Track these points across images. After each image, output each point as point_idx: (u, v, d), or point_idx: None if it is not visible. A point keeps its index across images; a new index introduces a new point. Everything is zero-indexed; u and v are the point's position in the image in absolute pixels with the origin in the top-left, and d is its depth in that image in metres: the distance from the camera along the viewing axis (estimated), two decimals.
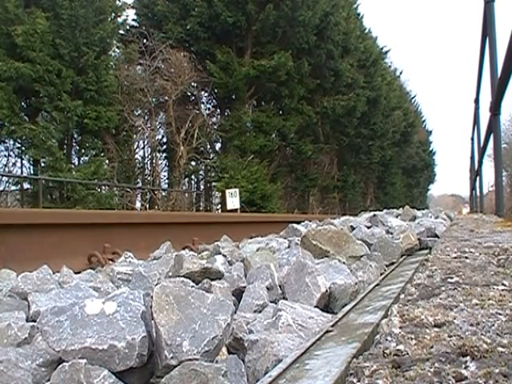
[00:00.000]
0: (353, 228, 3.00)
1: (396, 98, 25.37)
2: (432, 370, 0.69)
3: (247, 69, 14.72)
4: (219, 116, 17.05)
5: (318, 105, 18.07)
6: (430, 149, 37.79)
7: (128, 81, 13.54)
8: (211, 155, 16.50)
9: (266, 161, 15.71)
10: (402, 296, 1.25)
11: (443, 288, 1.25)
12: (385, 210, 5.38)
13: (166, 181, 16.32)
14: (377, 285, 1.58)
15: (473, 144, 11.14)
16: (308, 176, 19.12)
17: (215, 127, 16.22)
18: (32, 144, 10.63)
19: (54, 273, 1.73)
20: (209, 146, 16.65)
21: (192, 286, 1.51)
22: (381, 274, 1.87)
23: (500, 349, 0.75)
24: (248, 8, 14.31)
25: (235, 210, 10.94)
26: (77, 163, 12.73)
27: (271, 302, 1.48)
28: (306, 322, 1.15)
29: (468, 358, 0.73)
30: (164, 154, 16.41)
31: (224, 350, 1.11)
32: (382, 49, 24.50)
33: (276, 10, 14.51)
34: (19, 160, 12.38)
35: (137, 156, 15.83)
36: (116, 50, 14.02)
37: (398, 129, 25.63)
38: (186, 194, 16.00)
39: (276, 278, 1.61)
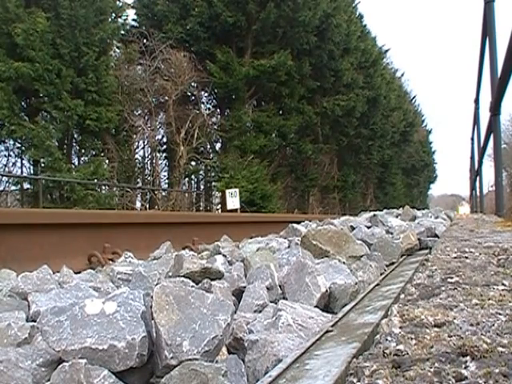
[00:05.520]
0: (353, 228, 3.00)
1: (396, 98, 25.36)
2: (432, 369, 0.69)
3: (247, 69, 14.72)
4: (219, 116, 17.05)
5: (317, 105, 18.07)
6: (430, 148, 37.77)
7: (128, 81, 13.54)
8: (211, 155, 16.49)
9: (266, 161, 15.71)
10: (402, 296, 1.25)
11: (443, 288, 1.25)
12: (385, 210, 5.38)
13: (166, 181, 16.33)
14: (377, 285, 1.58)
15: (473, 144, 11.15)
16: (308, 176, 19.11)
17: (215, 127, 16.21)
18: (32, 144, 10.62)
19: (54, 273, 1.73)
20: (209, 146, 16.64)
21: (192, 286, 1.51)
22: (381, 274, 1.87)
23: (500, 349, 0.75)
24: (248, 8, 14.31)
25: (235, 210, 10.94)
26: (77, 163, 12.73)
27: (271, 301, 1.48)
28: (306, 322, 1.15)
29: (468, 357, 0.73)
30: (164, 154, 16.41)
31: (224, 349, 1.11)
32: (381, 48, 24.47)
33: (277, 9, 14.51)
34: (19, 160, 12.39)
35: (137, 156, 15.84)
36: (116, 50, 14.02)
37: (397, 129, 25.62)
38: (186, 194, 15.99)
39: (276, 277, 1.61)
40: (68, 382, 0.81)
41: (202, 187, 18.46)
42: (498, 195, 5.24)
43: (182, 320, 0.94)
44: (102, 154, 13.19)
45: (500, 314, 0.95)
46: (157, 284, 1.56)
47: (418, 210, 6.11)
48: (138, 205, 14.63)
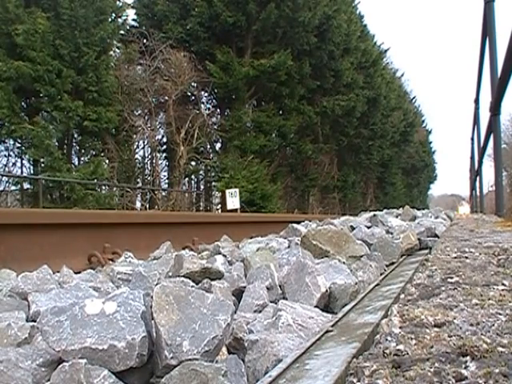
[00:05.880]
0: (353, 228, 3.00)
1: (396, 98, 25.36)
2: (432, 369, 0.69)
3: (247, 69, 14.72)
4: (219, 116, 17.05)
5: (317, 105, 18.07)
6: (430, 148, 37.80)
7: (128, 81, 13.54)
8: (211, 155, 16.49)
9: (266, 161, 15.71)
10: (402, 296, 1.25)
11: (443, 288, 1.25)
12: (385, 210, 5.38)
13: (166, 181, 16.32)
14: (377, 285, 1.58)
15: (473, 144, 11.15)
16: (308, 176, 19.12)
17: (215, 127, 16.21)
18: (31, 144, 10.62)
19: (54, 273, 1.73)
20: (209, 146, 16.64)
21: (192, 286, 1.51)
22: (381, 274, 1.87)
23: (500, 349, 0.75)
24: (248, 8, 14.31)
25: (235, 210, 10.94)
26: (77, 163, 12.73)
27: (271, 301, 1.48)
28: (306, 322, 1.15)
29: (468, 357, 0.73)
30: (164, 154, 16.40)
31: (224, 349, 1.11)
32: (379, 47, 24.41)
33: (277, 9, 14.51)
34: (19, 160, 12.39)
35: (137, 156, 15.84)
36: (116, 50, 14.01)
37: (397, 129, 25.63)
38: (186, 194, 15.99)
39: (276, 277, 1.61)
40: (68, 382, 0.81)
41: (202, 187, 18.46)
42: (497, 195, 5.24)
43: (182, 320, 0.94)
44: (102, 154, 13.19)
45: (500, 314, 0.95)
46: (157, 284, 1.56)
47: (418, 209, 6.11)
48: (138, 205, 14.64)
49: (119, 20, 13.38)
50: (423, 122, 35.29)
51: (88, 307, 0.96)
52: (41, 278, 1.59)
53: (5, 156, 12.04)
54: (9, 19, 10.30)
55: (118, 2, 13.09)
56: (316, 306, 1.36)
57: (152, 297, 0.97)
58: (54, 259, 2.66)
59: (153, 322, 0.96)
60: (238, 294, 1.58)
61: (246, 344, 1.06)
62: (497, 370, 0.66)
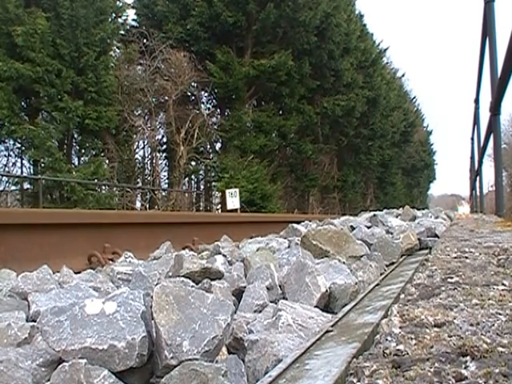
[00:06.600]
0: (353, 228, 3.00)
1: (395, 98, 25.36)
2: (432, 369, 0.69)
3: (247, 69, 14.72)
4: (219, 116, 17.05)
5: (317, 105, 18.07)
6: (431, 149, 37.81)
7: (128, 81, 13.54)
8: (211, 155, 16.49)
9: (266, 161, 15.71)
10: (402, 296, 1.25)
11: (443, 288, 1.25)
12: (385, 210, 5.38)
13: (166, 181, 16.33)
14: (377, 285, 1.58)
15: (473, 144, 11.15)
16: (308, 176, 19.12)
17: (215, 127, 16.21)
18: (32, 144, 10.62)
19: (54, 273, 1.73)
20: (209, 146, 16.64)
21: (192, 286, 1.51)
22: (381, 274, 1.87)
23: (500, 349, 0.75)
24: (248, 8, 14.31)
25: (235, 210, 10.94)
26: (77, 163, 12.73)
27: (271, 301, 1.48)
28: (306, 322, 1.15)
29: (468, 357, 0.73)
30: (164, 154, 16.41)
31: (224, 349, 1.11)
32: (378, 45, 24.37)
33: (277, 9, 14.51)
34: (19, 160, 12.39)
35: (137, 156, 15.84)
36: (116, 50, 14.02)
37: (397, 129, 25.62)
38: (186, 194, 15.99)
39: (276, 277, 1.61)
40: (68, 382, 0.81)
41: (202, 187, 18.46)
42: (497, 195, 5.24)
43: (182, 320, 0.94)
44: (102, 154, 13.19)
45: (500, 314, 0.95)
46: (157, 284, 1.56)
47: (418, 210, 6.11)
48: (138, 205, 14.64)
49: (119, 20, 13.39)
50: (423, 121, 35.29)
51: (88, 307, 0.96)
52: (41, 278, 1.59)
53: (5, 156, 12.06)
54: (9, 19, 10.30)
55: (118, 2, 13.10)
56: (316, 306, 1.36)
57: (152, 297, 0.97)
58: (54, 259, 2.66)
59: (153, 321, 0.96)
60: (238, 293, 1.58)
61: (246, 344, 1.06)
62: (497, 370, 0.66)
